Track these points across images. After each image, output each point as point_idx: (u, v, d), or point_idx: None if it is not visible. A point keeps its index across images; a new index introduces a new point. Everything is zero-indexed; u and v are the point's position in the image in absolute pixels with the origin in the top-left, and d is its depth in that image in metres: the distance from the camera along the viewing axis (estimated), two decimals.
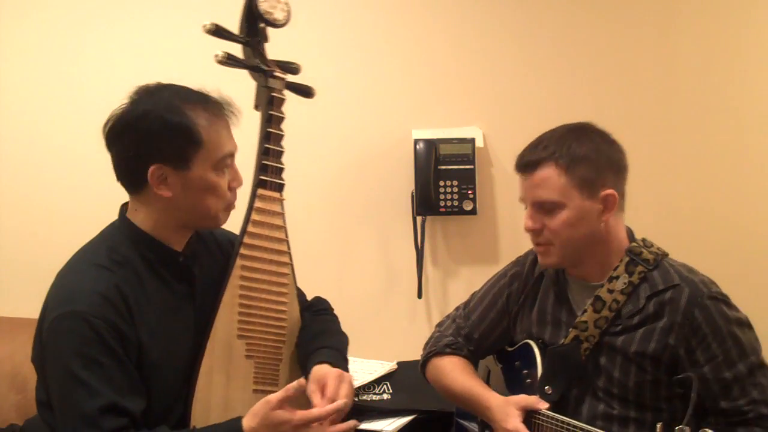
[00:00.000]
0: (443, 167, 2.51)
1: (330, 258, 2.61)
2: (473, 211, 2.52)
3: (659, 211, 2.55)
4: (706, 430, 1.34)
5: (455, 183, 2.52)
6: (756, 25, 2.53)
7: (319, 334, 1.76)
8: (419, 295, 2.57)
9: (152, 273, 1.57)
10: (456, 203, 2.52)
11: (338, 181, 2.60)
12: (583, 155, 1.62)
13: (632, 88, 2.55)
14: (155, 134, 1.49)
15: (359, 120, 2.59)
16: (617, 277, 1.65)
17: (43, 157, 2.54)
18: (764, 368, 1.60)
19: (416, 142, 2.52)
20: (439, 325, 1.97)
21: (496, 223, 2.58)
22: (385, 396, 2.26)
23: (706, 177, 2.56)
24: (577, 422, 1.57)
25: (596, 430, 1.54)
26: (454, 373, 1.83)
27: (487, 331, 1.87)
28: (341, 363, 1.67)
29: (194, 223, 1.62)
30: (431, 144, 2.50)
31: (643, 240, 1.71)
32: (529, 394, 1.68)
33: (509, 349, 1.85)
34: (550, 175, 1.62)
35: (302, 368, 1.70)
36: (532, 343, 1.76)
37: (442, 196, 2.52)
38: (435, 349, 1.89)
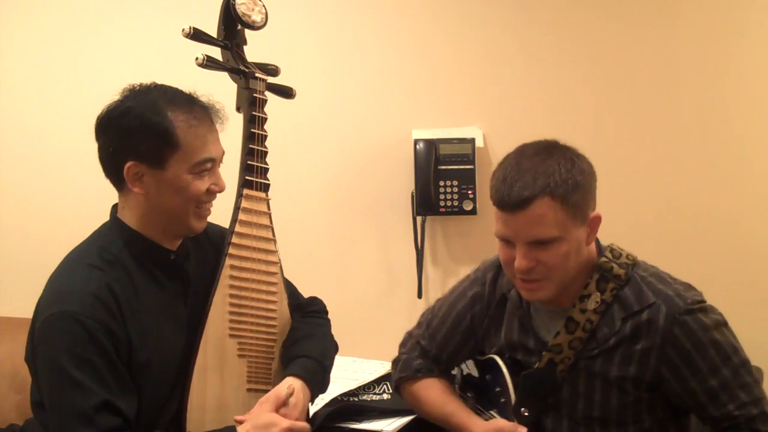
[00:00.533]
0: (443, 167, 2.51)
1: (330, 258, 2.61)
2: (473, 211, 2.52)
3: (660, 211, 2.55)
4: None
5: (455, 183, 2.51)
6: (756, 24, 2.52)
7: (302, 339, 1.76)
8: (419, 295, 2.57)
9: (143, 272, 1.58)
10: (456, 203, 2.52)
11: (338, 181, 2.60)
12: (575, 182, 1.50)
13: (632, 88, 2.54)
14: (133, 132, 1.52)
15: (359, 120, 2.59)
16: (588, 296, 1.58)
17: (42, 157, 2.55)
18: (747, 365, 1.56)
19: (416, 142, 2.51)
20: (402, 345, 1.92)
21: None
22: (385, 396, 2.26)
23: (708, 177, 2.55)
24: None
25: None
26: (432, 398, 1.79)
27: (455, 351, 1.83)
28: (316, 375, 1.69)
29: (171, 227, 1.61)
30: (431, 144, 2.50)
31: (611, 251, 1.63)
32: (505, 413, 1.67)
33: (479, 358, 1.82)
34: (546, 210, 1.47)
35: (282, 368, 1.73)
36: (498, 360, 1.71)
37: (442, 196, 2.51)
38: (407, 374, 1.84)
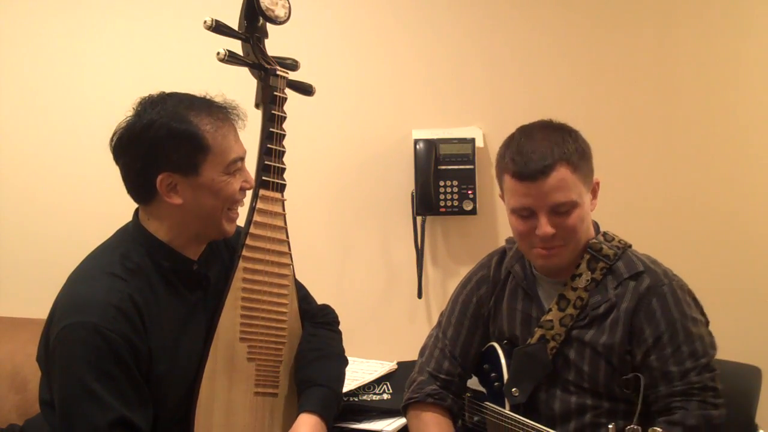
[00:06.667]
0: (443, 167, 2.51)
1: (330, 258, 2.61)
2: (473, 211, 2.52)
3: (659, 211, 2.55)
4: (656, 429, 1.30)
5: (455, 183, 2.51)
6: (754, 23, 2.53)
7: (315, 360, 1.75)
8: (419, 295, 2.57)
9: (165, 282, 1.57)
10: (456, 203, 2.52)
11: (338, 181, 2.60)
12: (582, 150, 1.63)
13: (631, 88, 2.55)
14: (162, 143, 1.50)
15: (359, 120, 2.59)
16: (579, 275, 1.65)
17: (43, 156, 2.53)
18: (712, 370, 1.58)
19: (416, 142, 2.51)
20: (421, 353, 1.89)
21: (496, 223, 2.58)
22: (385, 396, 2.26)
23: (706, 177, 2.56)
24: (535, 423, 1.58)
25: (548, 430, 1.55)
26: None
27: (467, 343, 1.81)
28: (332, 407, 1.69)
29: (205, 232, 1.61)
30: (431, 144, 2.50)
31: (604, 234, 1.71)
32: (497, 398, 1.69)
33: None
34: (564, 175, 1.57)
35: (297, 391, 1.72)
36: (496, 345, 1.75)
37: (442, 196, 2.51)
38: (417, 396, 1.79)
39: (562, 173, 1.57)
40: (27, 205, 2.54)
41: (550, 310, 1.66)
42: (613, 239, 1.69)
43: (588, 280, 1.64)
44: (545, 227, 1.59)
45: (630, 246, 1.70)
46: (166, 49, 2.52)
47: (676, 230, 2.54)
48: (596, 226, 1.74)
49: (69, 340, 1.44)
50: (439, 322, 1.89)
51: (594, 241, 1.67)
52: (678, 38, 2.55)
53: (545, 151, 1.58)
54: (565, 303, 1.65)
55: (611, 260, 1.64)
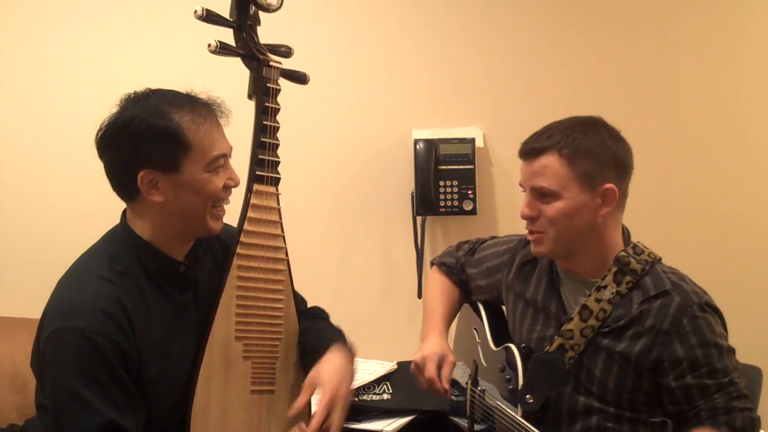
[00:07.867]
0: (443, 167, 2.52)
1: (330, 258, 2.61)
2: (473, 211, 2.52)
3: (659, 211, 2.55)
4: None
5: (455, 183, 2.52)
6: (756, 23, 2.53)
7: (322, 329, 1.78)
8: (419, 295, 2.56)
9: (153, 284, 1.56)
10: (456, 203, 2.52)
11: (338, 181, 2.60)
12: (587, 148, 1.61)
13: (632, 88, 2.55)
14: (142, 140, 1.48)
15: (359, 120, 2.59)
16: (605, 287, 1.64)
17: (43, 156, 2.54)
18: (741, 377, 1.59)
19: (416, 142, 2.52)
20: (460, 244, 2.07)
21: (496, 223, 2.58)
22: (385, 396, 2.26)
23: (707, 177, 2.55)
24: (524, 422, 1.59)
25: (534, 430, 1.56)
26: (435, 290, 2.02)
27: (478, 275, 1.96)
28: (351, 349, 1.74)
29: (189, 230, 1.59)
30: (431, 144, 2.50)
31: (634, 247, 1.68)
32: (511, 400, 1.69)
33: (494, 348, 1.83)
34: (551, 163, 1.61)
35: (305, 370, 1.70)
36: (513, 348, 1.75)
37: (442, 196, 2.52)
38: (435, 260, 2.08)
39: (549, 160, 1.61)
40: (27, 205, 2.55)
41: (571, 319, 1.66)
42: (643, 252, 1.67)
43: (613, 293, 1.62)
44: (523, 207, 1.67)
45: (659, 260, 1.68)
46: (159, 43, 2.52)
47: (676, 230, 2.54)
48: (627, 235, 1.72)
49: (57, 346, 1.43)
50: (475, 243, 2.02)
51: (622, 254, 1.65)
52: (680, 37, 2.55)
53: (545, 137, 1.64)
54: (588, 313, 1.64)
55: (638, 275, 1.63)
